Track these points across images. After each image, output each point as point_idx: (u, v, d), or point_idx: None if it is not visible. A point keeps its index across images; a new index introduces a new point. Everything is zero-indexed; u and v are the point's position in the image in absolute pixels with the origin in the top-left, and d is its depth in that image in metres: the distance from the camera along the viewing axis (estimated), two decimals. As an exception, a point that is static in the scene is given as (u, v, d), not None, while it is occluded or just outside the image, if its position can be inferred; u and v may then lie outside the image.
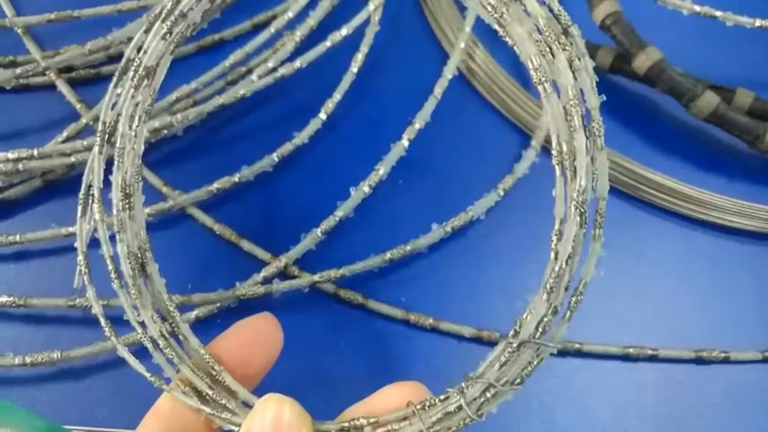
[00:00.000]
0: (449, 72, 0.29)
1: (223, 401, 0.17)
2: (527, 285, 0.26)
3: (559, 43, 0.16)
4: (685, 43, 0.31)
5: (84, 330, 0.25)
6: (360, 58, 0.30)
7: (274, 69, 0.29)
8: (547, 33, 0.16)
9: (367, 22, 0.30)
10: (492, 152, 0.29)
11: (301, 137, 0.28)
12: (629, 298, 0.27)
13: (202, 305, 0.25)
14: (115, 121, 0.18)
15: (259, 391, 0.18)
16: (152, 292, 0.18)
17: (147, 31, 0.18)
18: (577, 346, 0.25)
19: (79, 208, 0.19)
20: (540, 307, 0.16)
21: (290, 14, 0.30)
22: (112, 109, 0.18)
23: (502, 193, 0.27)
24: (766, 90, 0.29)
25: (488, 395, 0.16)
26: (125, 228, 0.18)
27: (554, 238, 0.16)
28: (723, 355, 0.26)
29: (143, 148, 0.18)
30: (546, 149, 0.29)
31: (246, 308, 0.26)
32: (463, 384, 0.16)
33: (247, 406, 0.17)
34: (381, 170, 0.27)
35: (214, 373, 0.18)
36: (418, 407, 0.16)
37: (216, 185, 0.27)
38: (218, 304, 0.25)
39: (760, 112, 0.29)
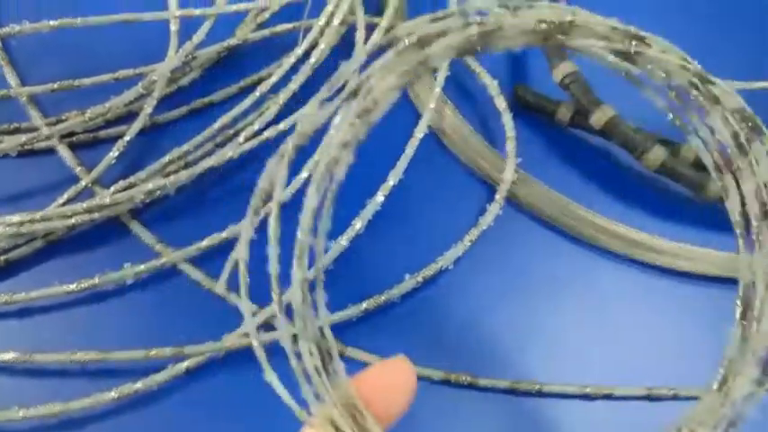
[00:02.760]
0: (419, 132, 0.32)
1: None
2: (493, 330, 0.29)
3: None
4: (637, 100, 0.33)
5: (84, 382, 0.27)
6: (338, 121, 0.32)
7: (260, 131, 0.31)
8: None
9: (344, 86, 0.33)
10: (460, 205, 0.32)
11: (284, 195, 0.30)
12: (588, 340, 0.29)
13: (193, 356, 0.27)
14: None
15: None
16: (314, 322, 0.18)
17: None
18: (537, 386, 0.27)
19: (249, 211, 0.19)
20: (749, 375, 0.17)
21: (274, 79, 0.33)
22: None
23: (468, 244, 0.30)
24: (711, 144, 0.32)
25: None
26: (305, 254, 0.18)
27: (722, 372, 0.17)
28: (672, 392, 0.28)
29: (344, 176, 0.18)
30: (509, 200, 0.32)
31: (234, 358, 0.28)
32: None
33: None
34: (358, 225, 0.29)
35: (356, 413, 0.18)
36: None
37: (206, 242, 0.29)
38: (208, 355, 0.27)
39: (704, 163, 0.32)
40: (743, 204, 0.18)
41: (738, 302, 0.17)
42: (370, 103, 0.18)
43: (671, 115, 0.19)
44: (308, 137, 0.19)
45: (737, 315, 0.18)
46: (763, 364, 0.17)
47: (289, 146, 0.19)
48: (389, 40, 0.19)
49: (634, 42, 0.18)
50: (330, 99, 0.19)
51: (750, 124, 0.18)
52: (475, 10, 0.19)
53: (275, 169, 0.19)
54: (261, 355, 0.19)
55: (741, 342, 0.17)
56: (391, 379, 0.19)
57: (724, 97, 0.18)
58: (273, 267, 0.19)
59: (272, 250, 0.19)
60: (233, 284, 0.29)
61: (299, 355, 0.18)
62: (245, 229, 0.19)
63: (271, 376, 0.19)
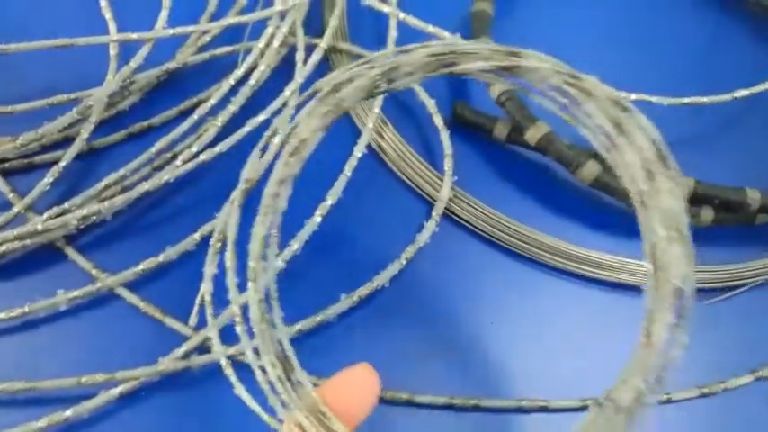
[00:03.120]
0: (358, 151, 0.32)
1: None
2: (430, 346, 0.29)
3: (660, 170, 0.19)
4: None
5: (13, 412, 0.26)
6: (277, 141, 0.32)
7: (198, 154, 0.31)
8: (651, 161, 0.19)
9: (284, 106, 0.33)
10: (400, 223, 0.32)
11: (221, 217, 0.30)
12: (525, 353, 0.30)
13: (126, 381, 0.27)
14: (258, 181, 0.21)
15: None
16: (273, 337, 0.20)
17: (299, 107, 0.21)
18: (474, 402, 0.28)
19: (210, 252, 0.22)
20: (635, 381, 0.18)
21: (213, 101, 0.33)
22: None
23: (405, 262, 0.30)
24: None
25: None
26: (259, 277, 0.20)
27: (645, 324, 0.19)
28: (607, 403, 0.28)
29: (285, 206, 0.21)
30: (447, 217, 0.32)
31: (169, 381, 0.27)
32: None
33: None
34: (295, 246, 0.29)
35: (322, 417, 0.19)
36: None
37: (142, 266, 0.29)
38: (143, 379, 0.27)
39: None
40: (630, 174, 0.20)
41: (647, 258, 0.19)
42: (300, 143, 0.21)
43: (560, 113, 0.21)
44: (253, 182, 0.22)
45: (650, 270, 0.19)
46: (677, 310, 0.18)
47: (237, 192, 0.22)
48: (312, 91, 0.22)
49: (511, 58, 0.20)
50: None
51: (621, 107, 0.20)
52: (377, 57, 0.21)
53: (228, 212, 0.22)
54: (230, 373, 0.21)
55: (655, 293, 0.19)
56: (354, 384, 0.20)
57: (595, 89, 0.20)
58: (233, 295, 0.21)
59: (231, 281, 0.21)
60: (169, 308, 0.29)
61: (263, 369, 0.20)
62: (208, 267, 0.21)
63: (240, 390, 0.21)
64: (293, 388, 0.20)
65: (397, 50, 0.21)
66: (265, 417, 0.19)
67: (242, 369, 0.27)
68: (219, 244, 0.24)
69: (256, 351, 0.20)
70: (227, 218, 0.22)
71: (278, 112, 0.32)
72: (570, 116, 0.21)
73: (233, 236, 0.22)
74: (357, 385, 0.21)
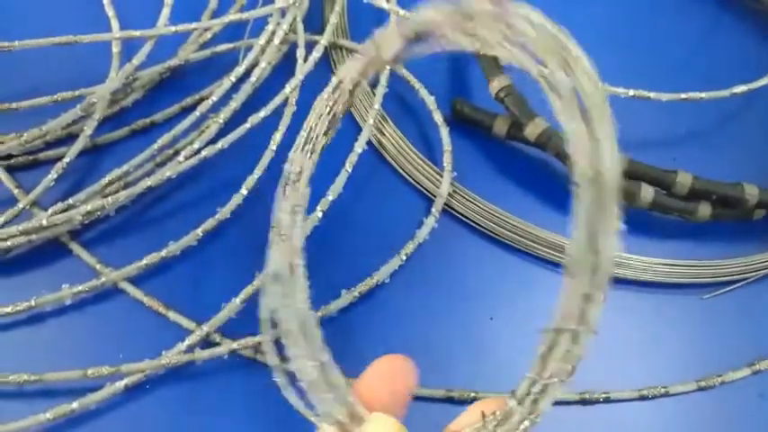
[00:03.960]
0: (359, 147, 0.32)
1: None
2: (429, 341, 0.30)
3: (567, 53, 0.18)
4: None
5: (20, 404, 0.27)
6: (278, 137, 0.33)
7: (200, 150, 0.32)
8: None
9: (285, 103, 0.33)
10: (399, 218, 0.32)
11: (223, 212, 0.31)
12: (524, 347, 0.30)
13: (131, 374, 0.27)
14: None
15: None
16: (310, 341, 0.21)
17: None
18: (473, 394, 0.28)
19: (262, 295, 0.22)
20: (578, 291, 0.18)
21: (215, 98, 0.33)
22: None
23: (404, 258, 0.30)
24: (638, 152, 0.33)
25: (535, 391, 0.18)
26: (292, 294, 0.21)
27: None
28: (604, 395, 0.29)
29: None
30: (447, 213, 0.32)
31: (173, 374, 0.28)
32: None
33: None
34: (296, 240, 0.30)
35: (357, 412, 0.19)
36: (489, 417, 0.18)
37: (145, 261, 0.30)
38: (147, 372, 0.28)
39: (634, 173, 0.33)
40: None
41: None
42: (297, 175, 0.22)
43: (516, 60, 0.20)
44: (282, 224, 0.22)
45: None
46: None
47: (272, 236, 0.22)
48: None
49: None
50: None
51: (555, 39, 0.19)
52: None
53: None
54: (280, 377, 0.21)
55: (585, 196, 0.18)
56: (388, 375, 0.20)
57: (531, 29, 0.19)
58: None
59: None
60: (172, 302, 0.29)
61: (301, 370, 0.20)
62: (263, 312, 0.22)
63: (285, 390, 0.21)
64: (329, 387, 0.20)
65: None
66: (307, 413, 0.20)
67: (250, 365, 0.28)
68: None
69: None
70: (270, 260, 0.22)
71: (279, 109, 0.33)
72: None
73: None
74: (391, 376, 0.20)
